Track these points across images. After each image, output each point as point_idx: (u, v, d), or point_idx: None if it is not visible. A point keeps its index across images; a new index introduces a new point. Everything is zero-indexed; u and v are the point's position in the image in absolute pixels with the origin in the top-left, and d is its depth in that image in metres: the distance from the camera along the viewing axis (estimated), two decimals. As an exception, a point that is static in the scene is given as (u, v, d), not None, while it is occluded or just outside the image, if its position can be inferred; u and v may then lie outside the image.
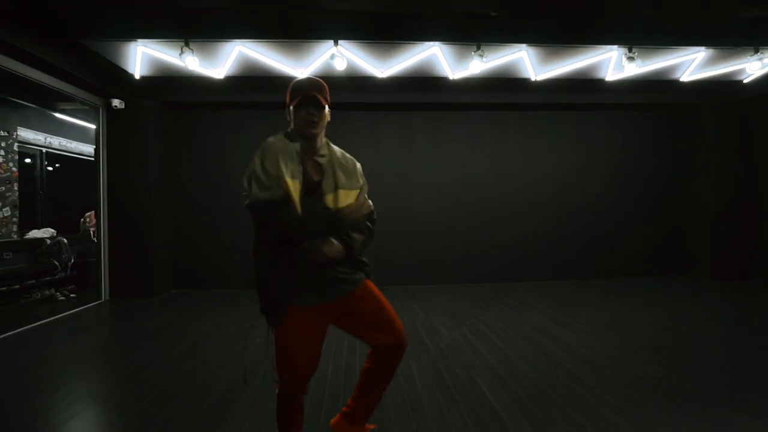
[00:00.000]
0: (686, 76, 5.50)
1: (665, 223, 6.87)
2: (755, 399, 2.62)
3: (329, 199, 1.79)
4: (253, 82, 5.50)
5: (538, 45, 4.64)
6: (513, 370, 3.15)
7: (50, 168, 7.48)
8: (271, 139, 1.78)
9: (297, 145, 1.78)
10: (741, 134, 6.41)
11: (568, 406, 2.58)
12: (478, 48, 4.44)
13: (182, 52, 4.30)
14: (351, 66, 4.92)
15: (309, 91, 1.79)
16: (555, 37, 4.57)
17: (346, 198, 1.83)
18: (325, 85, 1.86)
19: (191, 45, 4.33)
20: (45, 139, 6.91)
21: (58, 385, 3.04)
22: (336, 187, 1.82)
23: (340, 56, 4.38)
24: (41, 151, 6.97)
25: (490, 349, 3.59)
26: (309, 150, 1.83)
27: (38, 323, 4.61)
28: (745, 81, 5.70)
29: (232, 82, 5.41)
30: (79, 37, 4.21)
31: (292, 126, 1.86)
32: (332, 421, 2.14)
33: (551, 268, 6.64)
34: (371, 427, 2.19)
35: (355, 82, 5.52)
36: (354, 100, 5.94)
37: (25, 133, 6.61)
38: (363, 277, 1.93)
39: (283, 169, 1.68)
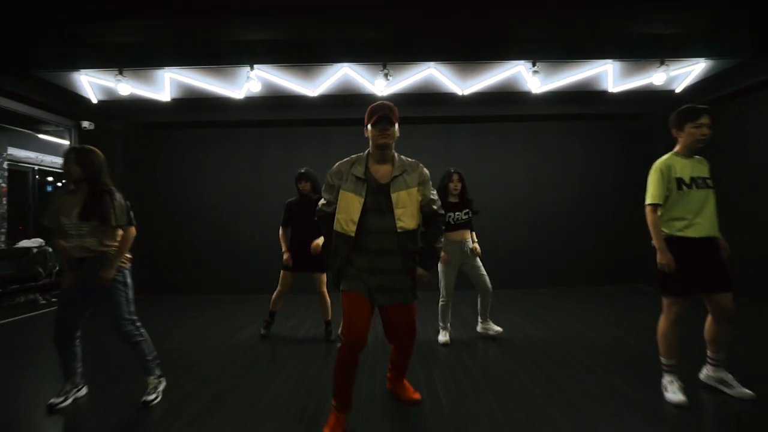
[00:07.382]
0: (612, 87, 5.55)
1: (627, 232, 6.70)
2: (639, 375, 3.10)
3: (395, 197, 2.24)
4: (194, 104, 5.98)
5: (447, 62, 4.86)
6: (467, 351, 3.73)
7: (48, 184, 8.24)
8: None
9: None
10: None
11: (499, 366, 3.33)
12: (384, 67, 4.70)
13: (118, 80, 4.80)
14: (276, 86, 5.28)
15: (383, 111, 2.21)
16: (463, 55, 4.76)
17: (408, 195, 2.26)
18: (394, 107, 2.27)
19: (125, 73, 4.83)
20: (36, 156, 7.67)
21: (43, 356, 3.71)
22: (404, 187, 2.26)
23: (255, 79, 4.75)
24: (33, 168, 7.72)
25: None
26: (381, 158, 2.29)
27: (19, 317, 5.34)
28: (677, 90, 5.66)
29: (178, 103, 5.90)
30: (29, 69, 4.78)
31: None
32: (388, 385, 2.81)
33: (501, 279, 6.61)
34: (417, 396, 2.68)
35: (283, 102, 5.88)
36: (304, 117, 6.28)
37: (18, 152, 7.36)
38: None
39: None
